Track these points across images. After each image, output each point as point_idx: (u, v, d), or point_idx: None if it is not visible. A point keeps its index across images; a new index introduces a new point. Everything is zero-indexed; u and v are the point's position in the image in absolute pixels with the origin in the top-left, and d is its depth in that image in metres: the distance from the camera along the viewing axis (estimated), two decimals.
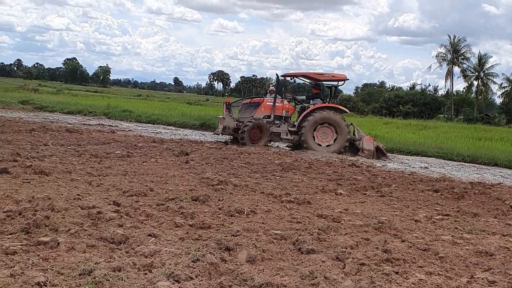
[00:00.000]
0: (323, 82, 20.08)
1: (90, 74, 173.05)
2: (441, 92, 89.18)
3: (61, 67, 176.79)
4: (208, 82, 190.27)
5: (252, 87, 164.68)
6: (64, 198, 6.90)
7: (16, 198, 6.63)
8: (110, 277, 4.07)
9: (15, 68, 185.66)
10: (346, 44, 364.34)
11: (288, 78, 19.63)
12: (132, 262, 4.52)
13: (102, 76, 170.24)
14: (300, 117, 18.70)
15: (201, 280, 4.33)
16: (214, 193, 8.33)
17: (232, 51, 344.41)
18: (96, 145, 13.49)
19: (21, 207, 6.09)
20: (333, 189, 9.74)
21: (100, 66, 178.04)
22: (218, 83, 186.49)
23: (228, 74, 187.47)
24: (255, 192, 8.79)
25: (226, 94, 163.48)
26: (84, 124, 21.58)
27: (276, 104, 18.91)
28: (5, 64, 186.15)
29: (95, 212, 6.19)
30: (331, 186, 10.03)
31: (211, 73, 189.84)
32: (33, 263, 4.33)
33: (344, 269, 5.00)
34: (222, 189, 8.68)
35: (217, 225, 6.29)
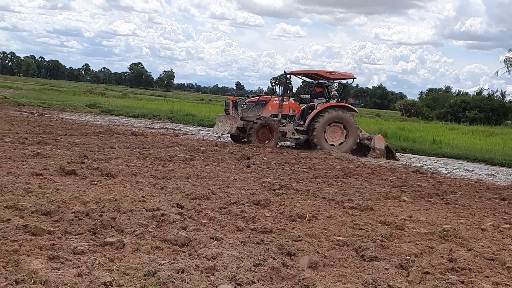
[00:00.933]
0: (333, 80, 19.63)
1: (155, 78, 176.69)
2: (509, 97, 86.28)
3: (127, 72, 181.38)
4: (270, 86, 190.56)
5: (313, 91, 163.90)
6: (130, 200, 7.06)
7: (84, 199, 6.83)
8: (174, 278, 4.13)
9: (83, 72, 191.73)
10: (410, 49, 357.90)
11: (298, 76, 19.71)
12: (195, 265, 4.57)
13: (166, 81, 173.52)
14: (310, 116, 18.24)
15: (262, 285, 4.33)
16: (276, 197, 8.33)
17: (294, 56, 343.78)
18: (160, 148, 13.75)
19: (88, 208, 6.28)
20: (397, 196, 9.57)
21: (165, 71, 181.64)
22: (279, 87, 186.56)
23: (289, 79, 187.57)
24: (316, 197, 8.74)
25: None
26: (148, 127, 22.06)
27: (284, 102, 18.48)
28: (74, 68, 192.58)
29: (159, 214, 6.30)
30: (394, 193, 9.86)
31: (273, 78, 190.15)
32: (99, 263, 4.45)
33: (408, 277, 4.89)
34: (284, 193, 8.68)
35: (278, 229, 6.28)
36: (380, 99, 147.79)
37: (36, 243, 4.85)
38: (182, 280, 4.15)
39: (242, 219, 6.62)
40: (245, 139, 17.90)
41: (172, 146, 14.66)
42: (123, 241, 5.08)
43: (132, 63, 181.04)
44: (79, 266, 4.30)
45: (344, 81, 19.91)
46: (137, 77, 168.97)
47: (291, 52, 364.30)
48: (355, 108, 19.73)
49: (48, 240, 4.99)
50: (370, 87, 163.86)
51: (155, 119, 27.92)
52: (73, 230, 5.45)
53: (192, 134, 20.88)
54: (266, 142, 17.65)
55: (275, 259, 4.88)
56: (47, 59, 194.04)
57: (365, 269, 5.07)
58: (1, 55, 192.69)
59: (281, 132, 18.03)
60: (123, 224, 5.74)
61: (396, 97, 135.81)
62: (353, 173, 12.09)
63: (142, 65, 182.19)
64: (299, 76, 19.79)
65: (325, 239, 5.98)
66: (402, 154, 20.52)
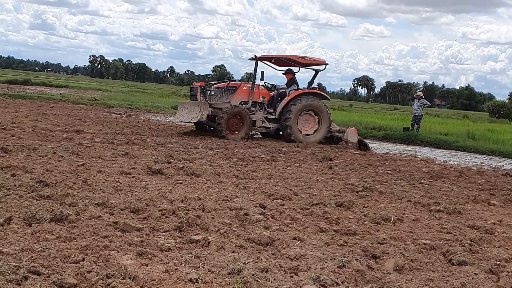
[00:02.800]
0: (306, 66, 18.55)
1: (237, 80, 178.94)
2: None
3: (210, 74, 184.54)
4: (352, 87, 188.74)
5: (398, 92, 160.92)
6: (214, 199, 7.17)
7: (170, 197, 7.00)
8: (258, 277, 4.15)
9: (168, 75, 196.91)
10: (500, 48, 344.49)
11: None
12: (279, 264, 4.58)
13: None
14: (282, 104, 17.35)
15: (347, 286, 4.28)
16: (359, 199, 8.22)
17: (378, 56, 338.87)
18: (242, 149, 13.89)
19: (174, 206, 6.43)
20: (486, 199, 9.20)
21: (247, 73, 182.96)
22: (362, 88, 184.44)
23: (372, 79, 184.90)
24: (401, 200, 8.55)
25: (371, 99, 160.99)
26: None
27: (253, 89, 17.41)
28: (159, 71, 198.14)
29: (242, 213, 6.36)
30: (483, 196, 9.49)
31: (355, 78, 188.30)
32: (186, 260, 4.54)
33: (498, 282, 4.70)
34: (367, 195, 8.55)
35: (362, 232, 6.19)
36: (468, 100, 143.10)
37: (125, 240, 5.01)
38: (266, 279, 4.16)
39: (325, 220, 6.57)
40: (213, 128, 16.88)
41: (254, 147, 14.77)
42: (208, 239, 5.16)
43: (215, 65, 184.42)
44: (166, 263, 4.40)
45: (316, 67, 18.63)
46: (219, 79, 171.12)
47: (375, 52, 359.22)
48: (327, 96, 19.02)
49: (136, 236, 5.14)
50: (457, 87, 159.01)
51: None
52: (160, 227, 5.59)
53: None
54: (236, 132, 16.49)
55: (360, 261, 4.81)
56: (134, 62, 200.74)
57: (453, 273, 4.90)
58: (91, 58, 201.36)
59: (251, 120, 16.91)
60: (207, 223, 5.83)
61: (485, 98, 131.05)
62: (439, 175, 11.74)
63: (224, 67, 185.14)
64: (267, 63, 18.47)
65: (411, 242, 5.84)
66: (491, 156, 19.73)
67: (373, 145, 20.59)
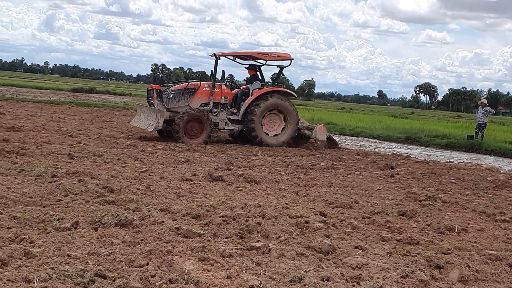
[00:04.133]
0: (268, 62, 17.22)
1: (296, 87, 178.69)
2: None
3: (268, 82, 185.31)
4: (414, 94, 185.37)
5: (461, 99, 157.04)
6: (274, 206, 7.18)
7: (230, 204, 7.05)
8: (319, 286, 4.14)
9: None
10: None
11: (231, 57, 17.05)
12: (340, 273, 4.54)
13: (307, 90, 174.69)
14: (246, 104, 16.08)
15: None
16: (422, 208, 8.06)
17: (440, 63, 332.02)
18: (301, 157, 13.86)
19: (235, 213, 6.48)
20: None
21: (305, 80, 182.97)
22: (424, 95, 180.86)
23: (435, 86, 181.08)
24: (465, 209, 8.33)
25: (433, 107, 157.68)
26: None
27: (214, 89, 16.03)
28: (219, 79, 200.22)
29: (302, 221, 6.35)
30: None
31: (417, 86, 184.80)
32: (247, 266, 4.56)
33: None
34: (430, 205, 8.37)
35: (426, 241, 6.07)
36: None
37: (187, 245, 5.09)
38: None
39: (387, 230, 6.47)
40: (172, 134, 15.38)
41: (313, 154, 14.71)
42: (269, 246, 5.18)
43: (274, 73, 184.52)
44: (228, 269, 4.44)
45: (280, 63, 17.45)
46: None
47: (437, 59, 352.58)
48: (293, 93, 17.77)
49: (198, 242, 5.21)
50: None
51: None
52: (221, 233, 5.65)
53: None
54: (196, 137, 15.25)
55: (424, 272, 4.71)
56: (194, 70, 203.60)
57: None
58: (153, 67, 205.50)
59: (213, 123, 15.65)
60: (268, 230, 5.85)
61: None
62: (505, 185, 11.36)
63: (283, 74, 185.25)
64: (231, 58, 17.11)
65: (476, 253, 5.68)
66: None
67: (436, 153, 20.17)
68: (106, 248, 4.74)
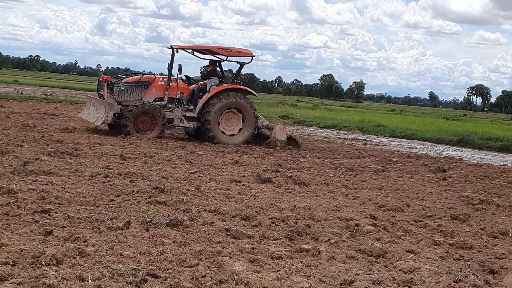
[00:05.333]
0: (228, 58, 16.32)
1: (345, 89, 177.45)
2: None
3: (317, 83, 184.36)
4: (466, 96, 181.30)
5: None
6: (323, 209, 7.14)
7: (279, 206, 7.05)
8: None
9: (276, 84, 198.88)
10: None
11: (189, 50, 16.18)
12: (392, 277, 4.47)
13: (356, 91, 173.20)
14: (202, 101, 15.20)
15: None
16: (475, 212, 7.87)
17: (494, 64, 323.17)
18: (351, 159, 13.75)
19: (284, 215, 6.47)
20: None
21: (355, 82, 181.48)
22: (476, 97, 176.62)
23: (488, 88, 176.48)
24: None
25: (486, 109, 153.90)
26: (339, 138, 22.18)
27: (170, 84, 15.21)
28: (267, 81, 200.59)
29: (352, 224, 6.29)
30: None
31: (469, 87, 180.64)
32: (296, 268, 4.55)
33: None
34: (484, 208, 8.16)
35: (479, 246, 5.92)
36: None
37: (237, 246, 5.11)
38: None
39: (440, 233, 6.35)
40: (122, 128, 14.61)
41: (363, 156, 14.57)
42: (319, 248, 5.15)
43: (323, 75, 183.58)
44: (277, 270, 4.43)
45: (240, 59, 16.41)
46: (327, 88, 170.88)
47: (490, 60, 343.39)
48: (253, 92, 16.76)
49: (248, 243, 5.22)
50: None
51: (345, 129, 27.98)
52: (270, 235, 5.65)
53: (384, 145, 20.56)
54: (148, 132, 14.54)
55: (477, 276, 4.61)
56: (243, 72, 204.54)
57: None
58: (202, 69, 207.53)
59: (168, 119, 14.95)
60: (317, 232, 5.81)
61: None
62: None
63: (332, 76, 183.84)
64: (189, 51, 16.26)
65: None
66: None
67: (489, 156, 19.68)
68: (157, 248, 4.81)
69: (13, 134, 12.09)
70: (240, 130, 15.45)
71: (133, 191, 7.17)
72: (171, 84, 15.13)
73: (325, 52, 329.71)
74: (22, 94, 29.97)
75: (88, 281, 3.92)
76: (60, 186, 7.17)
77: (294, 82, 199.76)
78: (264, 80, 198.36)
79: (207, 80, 15.82)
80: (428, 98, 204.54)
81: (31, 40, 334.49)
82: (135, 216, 5.86)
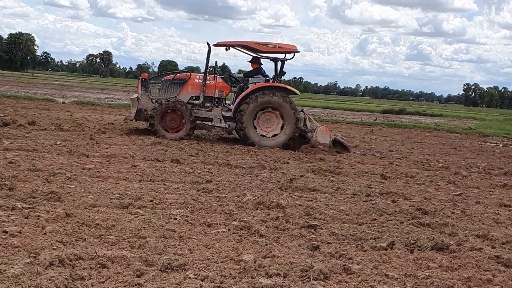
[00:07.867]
0: (268, 54, 14.74)
1: None
2: None
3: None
4: None
5: None
6: None
7: None
8: None
9: None
10: None
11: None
12: None
13: None
14: (238, 100, 14.12)
15: None
16: None
17: None
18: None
19: None
20: None
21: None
22: None
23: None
24: None
25: None
26: None
27: (207, 81, 14.29)
28: None
29: None
30: None
31: None
32: None
33: None
34: None
35: None
36: None
37: (509, 275, 4.76)
38: None
39: None
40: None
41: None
42: None
43: None
44: None
45: (282, 55, 14.57)
46: None
47: None
48: (296, 91, 14.79)
49: None
50: None
51: None
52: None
53: None
54: (177, 131, 13.85)
55: None
56: (510, 89, 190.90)
57: None
58: (465, 87, 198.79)
59: (205, 118, 14.23)
60: None
61: None
62: None
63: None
64: (227, 48, 14.75)
65: None
66: None
67: None
68: (422, 271, 4.71)
69: (279, 151, 12.94)
70: (279, 133, 14.19)
71: (395, 211, 7.14)
72: (208, 82, 14.49)
73: None
74: None
75: None
76: (324, 202, 7.46)
77: None
78: None
79: (250, 78, 15.06)
80: None
81: (295, 63, 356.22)
82: (398, 237, 5.82)
